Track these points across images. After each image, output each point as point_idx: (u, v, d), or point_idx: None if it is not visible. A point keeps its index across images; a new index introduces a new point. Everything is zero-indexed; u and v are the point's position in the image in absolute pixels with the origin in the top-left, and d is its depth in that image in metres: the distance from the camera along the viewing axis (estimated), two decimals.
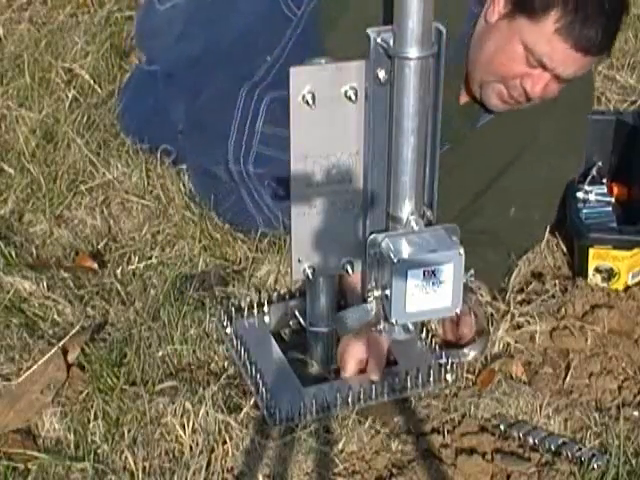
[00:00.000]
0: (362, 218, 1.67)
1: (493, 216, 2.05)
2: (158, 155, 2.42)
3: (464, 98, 2.09)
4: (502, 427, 1.75)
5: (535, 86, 1.93)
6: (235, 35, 2.25)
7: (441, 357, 1.85)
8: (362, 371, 1.82)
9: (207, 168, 2.25)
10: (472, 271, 1.64)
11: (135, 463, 1.66)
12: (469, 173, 2.09)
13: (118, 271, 2.11)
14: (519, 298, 2.04)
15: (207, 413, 1.72)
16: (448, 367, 1.83)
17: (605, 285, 2.08)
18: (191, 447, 1.69)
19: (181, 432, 1.71)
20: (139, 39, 2.63)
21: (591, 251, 2.09)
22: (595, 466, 1.66)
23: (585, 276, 2.10)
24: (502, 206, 2.09)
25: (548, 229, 2.20)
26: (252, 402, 1.76)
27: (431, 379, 1.82)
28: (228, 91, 2.11)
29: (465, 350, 1.87)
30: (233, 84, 2.10)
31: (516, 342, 1.92)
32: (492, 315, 1.97)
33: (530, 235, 2.16)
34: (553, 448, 1.71)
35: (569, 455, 1.69)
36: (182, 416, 1.72)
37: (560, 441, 1.71)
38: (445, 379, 1.83)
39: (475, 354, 1.87)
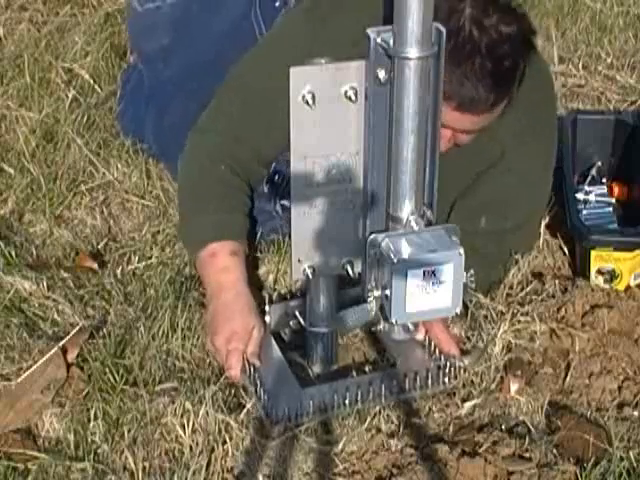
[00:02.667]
0: (362, 218, 1.67)
1: (463, 229, 1.76)
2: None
3: None
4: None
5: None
6: (206, 59, 2.25)
7: (439, 360, 1.85)
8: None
9: None
10: (472, 271, 1.63)
11: (135, 463, 1.66)
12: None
13: (118, 271, 2.11)
14: (519, 298, 2.04)
15: (207, 413, 1.72)
16: (446, 370, 1.83)
17: (608, 287, 2.07)
18: (191, 447, 1.69)
19: (181, 432, 1.70)
20: (131, 41, 2.63)
21: (593, 253, 2.08)
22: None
23: (587, 277, 2.10)
24: (471, 218, 1.99)
25: (540, 236, 2.18)
26: (252, 402, 1.76)
27: (429, 382, 1.82)
28: (190, 119, 2.06)
29: (463, 356, 1.87)
30: (196, 111, 2.06)
31: (516, 342, 1.92)
32: (491, 315, 1.97)
33: (504, 245, 2.05)
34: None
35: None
36: (182, 416, 1.72)
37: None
38: (443, 382, 1.83)
39: (472, 361, 1.87)
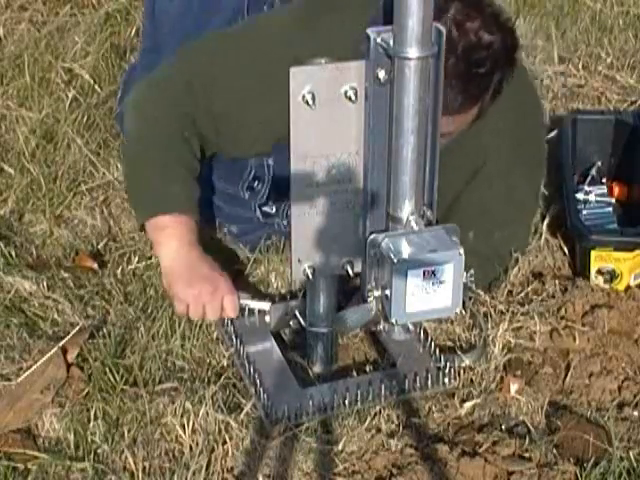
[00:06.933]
0: (362, 218, 1.67)
1: None
2: None
3: None
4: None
5: None
6: None
7: (439, 361, 1.85)
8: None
9: None
10: (472, 271, 1.64)
11: (135, 463, 1.67)
12: None
13: (118, 271, 2.11)
14: (519, 298, 2.04)
15: (207, 413, 1.72)
16: (446, 371, 1.83)
17: (608, 287, 2.07)
18: (191, 447, 1.69)
19: (181, 432, 1.71)
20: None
21: (593, 253, 2.08)
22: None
23: (587, 277, 2.10)
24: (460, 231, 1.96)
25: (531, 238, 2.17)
26: (252, 402, 1.76)
27: (429, 382, 1.82)
28: None
29: (463, 355, 1.87)
30: None
31: (516, 342, 1.92)
32: (491, 315, 1.97)
33: (497, 249, 2.04)
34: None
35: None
36: (182, 416, 1.72)
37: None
38: (443, 382, 1.83)
39: (472, 360, 1.87)
